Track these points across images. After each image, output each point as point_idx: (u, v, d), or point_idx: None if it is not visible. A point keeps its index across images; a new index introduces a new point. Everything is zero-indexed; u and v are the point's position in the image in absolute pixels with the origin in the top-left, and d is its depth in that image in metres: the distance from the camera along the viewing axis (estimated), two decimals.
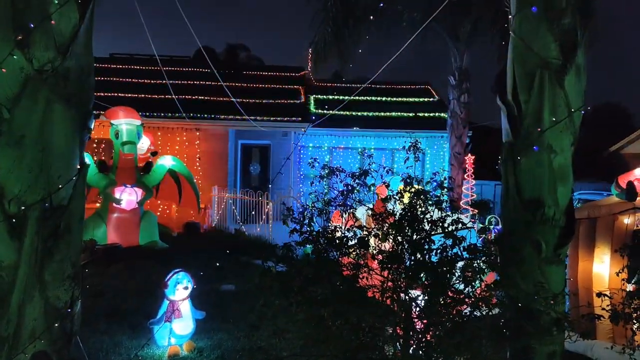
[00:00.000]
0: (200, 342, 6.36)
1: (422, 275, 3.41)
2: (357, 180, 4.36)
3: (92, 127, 3.59)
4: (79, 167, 3.45)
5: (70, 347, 3.46)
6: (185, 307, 6.15)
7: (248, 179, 17.27)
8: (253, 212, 13.90)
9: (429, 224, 3.47)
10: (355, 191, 4.12)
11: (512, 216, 3.71)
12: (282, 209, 13.92)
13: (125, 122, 11.62)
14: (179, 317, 6.04)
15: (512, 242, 3.60)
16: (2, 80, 3.16)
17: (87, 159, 10.96)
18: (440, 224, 3.45)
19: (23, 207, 3.16)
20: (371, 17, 11.44)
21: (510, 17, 3.69)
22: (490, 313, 3.40)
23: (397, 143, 17.13)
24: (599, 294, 3.87)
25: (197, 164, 15.59)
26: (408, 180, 4.02)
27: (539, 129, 3.43)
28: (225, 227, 14.46)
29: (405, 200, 4.46)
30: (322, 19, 12.01)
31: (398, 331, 3.62)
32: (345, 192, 4.26)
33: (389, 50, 13.86)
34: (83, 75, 3.44)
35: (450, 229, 3.44)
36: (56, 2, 3.19)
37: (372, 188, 4.46)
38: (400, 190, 7.31)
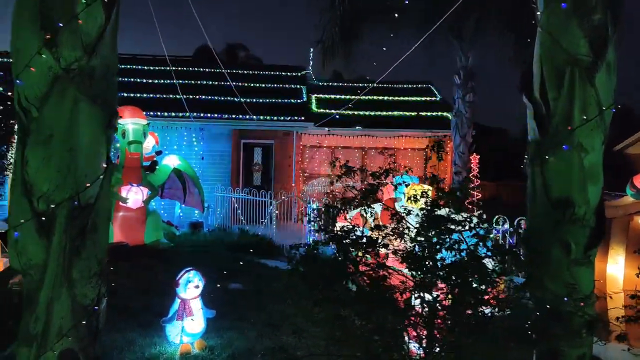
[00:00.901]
0: (210, 340, 6.36)
1: (446, 275, 3.39)
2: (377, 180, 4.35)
3: (117, 126, 3.57)
4: (104, 166, 3.44)
5: (95, 345, 3.45)
6: (197, 306, 6.15)
7: (250, 178, 17.25)
8: (256, 212, 13.89)
9: (456, 225, 3.44)
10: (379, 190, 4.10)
11: (540, 216, 3.66)
12: (285, 209, 13.93)
13: (131, 122, 11.58)
14: (191, 316, 6.04)
15: (540, 242, 3.56)
16: (31, 80, 3.16)
17: None
18: (468, 223, 3.42)
19: (52, 206, 3.14)
20: (377, 17, 11.48)
21: (538, 12, 3.64)
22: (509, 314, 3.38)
23: (399, 143, 17.13)
24: (634, 296, 3.82)
25: (201, 163, 15.59)
26: (432, 179, 4.00)
27: (569, 127, 3.40)
28: (228, 227, 14.44)
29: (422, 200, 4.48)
30: (329, 19, 12.02)
31: (421, 332, 3.60)
32: (365, 192, 4.23)
33: (391, 49, 13.90)
34: (108, 75, 3.43)
35: (476, 228, 3.41)
36: (83, 1, 3.17)
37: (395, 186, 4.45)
38: (421, 190, 7.33)
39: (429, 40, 13.89)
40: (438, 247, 3.36)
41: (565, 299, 3.36)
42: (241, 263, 10.89)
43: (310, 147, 17.49)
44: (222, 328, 6.70)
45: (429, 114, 17.34)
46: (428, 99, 18.45)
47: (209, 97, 16.71)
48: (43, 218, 3.16)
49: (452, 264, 3.31)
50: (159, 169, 12.33)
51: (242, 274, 10.01)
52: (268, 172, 17.27)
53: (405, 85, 19.73)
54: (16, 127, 3.21)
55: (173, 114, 15.37)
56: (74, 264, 3.26)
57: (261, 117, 15.68)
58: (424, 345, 3.54)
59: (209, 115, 15.71)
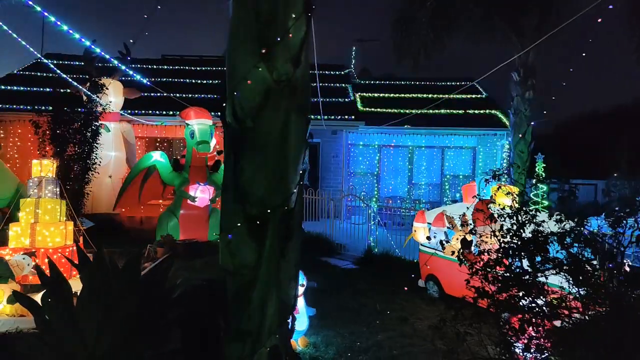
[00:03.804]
0: (310, 337, 6.56)
1: None
2: None
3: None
4: (300, 172, 3.61)
5: (289, 343, 3.64)
6: (300, 304, 6.34)
7: None
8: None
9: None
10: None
11: None
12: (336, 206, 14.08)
13: (197, 122, 11.82)
14: (296, 313, 6.23)
15: None
16: (247, 92, 3.33)
17: (163, 157, 11.28)
18: None
19: (268, 210, 3.32)
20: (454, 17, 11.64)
21: None
22: None
23: (448, 141, 17.18)
24: None
25: None
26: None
27: None
28: None
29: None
30: (418, 23, 12.17)
31: None
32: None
33: (440, 46, 13.94)
34: (306, 85, 3.60)
35: None
36: (294, 16, 3.34)
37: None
38: (508, 191, 7.37)
39: (484, 37, 13.98)
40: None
41: None
42: (303, 261, 11.07)
43: (358, 146, 17.61)
44: (314, 326, 6.89)
45: (476, 111, 17.37)
46: (473, 96, 18.45)
47: None
48: (257, 222, 3.34)
49: None
50: (222, 168, 12.57)
51: (308, 272, 10.20)
52: (315, 171, 17.43)
53: (449, 83, 19.76)
54: (225, 136, 3.38)
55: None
56: (281, 266, 3.45)
57: (312, 117, 15.81)
58: None
59: None
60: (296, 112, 3.45)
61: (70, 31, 7.56)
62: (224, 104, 3.33)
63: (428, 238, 8.74)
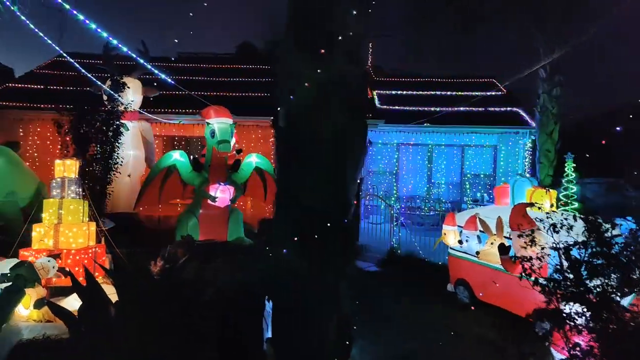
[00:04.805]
0: None
1: None
2: None
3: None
4: (358, 181, 3.39)
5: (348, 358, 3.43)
6: None
7: None
8: None
9: None
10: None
11: None
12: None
13: (217, 121, 11.63)
14: None
15: None
16: (302, 93, 3.12)
17: (183, 157, 11.14)
18: None
19: (325, 220, 3.10)
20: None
21: None
22: None
23: (468, 139, 16.86)
24: None
25: (272, 160, 15.60)
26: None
27: None
28: None
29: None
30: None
31: None
32: None
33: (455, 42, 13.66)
34: (362, 86, 3.38)
35: None
36: (354, 13, 3.12)
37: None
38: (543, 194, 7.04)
39: (507, 34, 13.68)
40: None
41: None
42: None
43: (376, 145, 17.34)
44: None
45: (497, 109, 17.02)
46: (494, 93, 18.09)
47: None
48: (313, 232, 3.12)
49: None
50: (241, 168, 12.37)
51: None
52: None
53: (467, 80, 19.43)
54: (276, 140, 3.17)
55: (244, 112, 15.43)
56: (338, 280, 3.23)
57: None
58: None
59: None
60: (353, 114, 3.22)
61: (98, 30, 7.37)
62: (278, 108, 3.11)
63: (460, 242, 8.49)
